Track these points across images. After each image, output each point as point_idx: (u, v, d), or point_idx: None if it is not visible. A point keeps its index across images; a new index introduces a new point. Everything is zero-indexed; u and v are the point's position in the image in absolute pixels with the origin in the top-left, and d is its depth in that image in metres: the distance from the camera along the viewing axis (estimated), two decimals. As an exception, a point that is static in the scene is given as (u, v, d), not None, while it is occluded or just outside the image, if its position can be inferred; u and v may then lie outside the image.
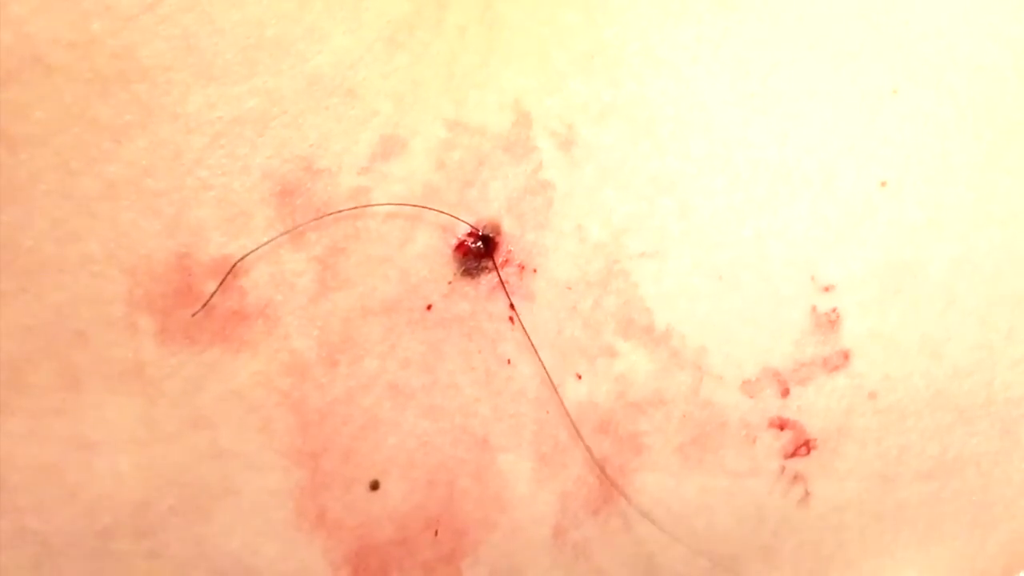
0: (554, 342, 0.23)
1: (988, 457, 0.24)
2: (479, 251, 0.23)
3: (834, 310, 0.23)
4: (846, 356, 0.23)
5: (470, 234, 0.23)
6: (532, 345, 0.23)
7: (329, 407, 0.22)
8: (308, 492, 0.23)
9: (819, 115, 0.24)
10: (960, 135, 0.24)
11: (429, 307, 0.23)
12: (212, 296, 0.21)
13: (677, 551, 0.23)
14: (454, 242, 0.23)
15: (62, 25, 0.20)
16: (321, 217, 0.22)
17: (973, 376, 0.24)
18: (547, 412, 0.23)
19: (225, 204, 0.21)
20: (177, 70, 0.20)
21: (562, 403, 0.23)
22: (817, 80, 0.24)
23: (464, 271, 0.23)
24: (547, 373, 0.23)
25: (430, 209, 0.22)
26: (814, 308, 0.23)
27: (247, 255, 0.21)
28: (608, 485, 0.23)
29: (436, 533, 0.23)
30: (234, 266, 0.21)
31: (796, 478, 0.23)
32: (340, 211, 0.22)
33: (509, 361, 0.23)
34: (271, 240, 0.22)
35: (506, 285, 0.23)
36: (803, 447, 0.23)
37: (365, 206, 0.22)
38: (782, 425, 0.23)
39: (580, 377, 0.23)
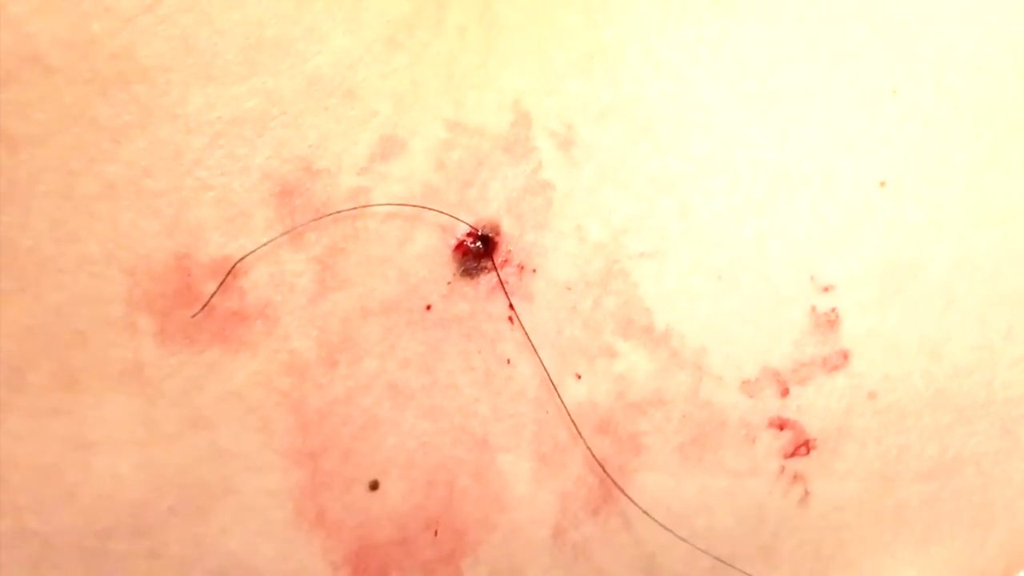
0: (554, 342, 0.23)
1: (988, 457, 0.24)
2: (478, 251, 0.23)
3: (833, 310, 0.23)
4: (845, 356, 0.23)
5: (469, 234, 0.23)
6: (532, 345, 0.23)
7: (328, 407, 0.22)
8: (307, 492, 0.23)
9: (819, 115, 0.24)
10: (960, 135, 0.24)
11: (428, 307, 0.23)
12: (212, 297, 0.21)
13: (677, 551, 0.23)
14: (453, 242, 0.23)
15: (62, 25, 0.20)
16: (320, 217, 0.22)
17: (973, 376, 0.24)
18: (547, 412, 0.23)
19: (225, 204, 0.21)
20: (176, 70, 0.20)
21: (562, 403, 0.23)
22: (816, 80, 0.24)
23: (463, 271, 0.23)
24: (547, 373, 0.23)
25: (429, 209, 0.22)
26: (813, 308, 0.23)
27: (247, 255, 0.21)
28: (608, 485, 0.23)
29: (436, 533, 0.23)
30: (234, 266, 0.21)
31: (796, 478, 0.23)
32: (339, 211, 0.22)
33: (509, 361, 0.23)
34: (271, 240, 0.22)
35: (505, 285, 0.23)
36: (803, 447, 0.23)
37: (364, 206, 0.22)
38: (782, 425, 0.23)
39: (580, 377, 0.23)
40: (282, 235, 0.22)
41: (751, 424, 0.23)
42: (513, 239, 0.23)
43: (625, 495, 0.23)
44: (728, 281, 0.23)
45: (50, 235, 0.21)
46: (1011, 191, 0.24)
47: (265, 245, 0.22)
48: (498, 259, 0.23)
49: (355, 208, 0.22)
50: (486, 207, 0.23)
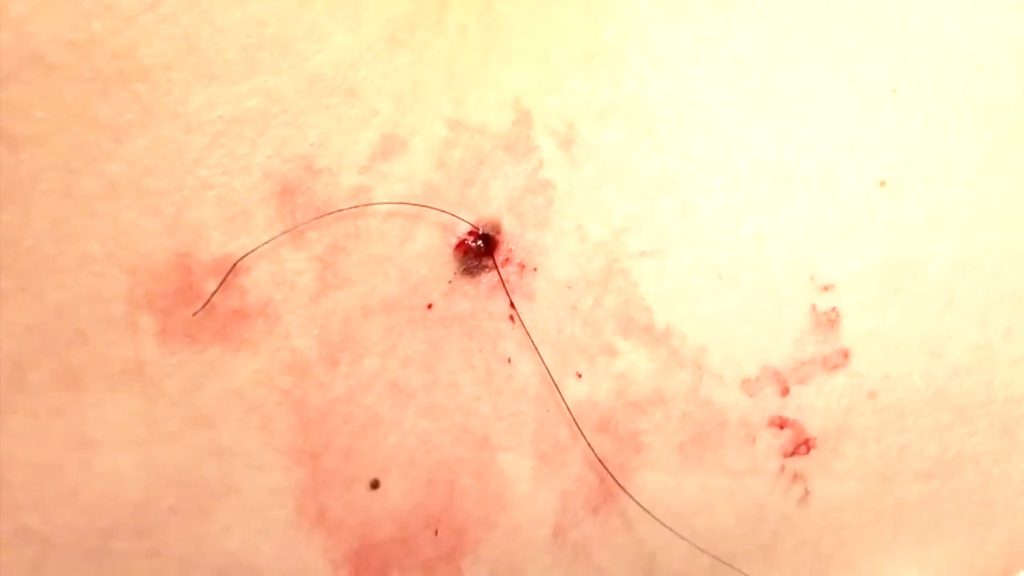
0: (554, 341, 0.23)
1: (988, 456, 0.24)
2: (479, 250, 0.23)
3: (834, 309, 0.23)
4: (846, 355, 0.23)
5: (470, 233, 0.23)
6: (532, 344, 0.23)
7: (329, 406, 0.22)
8: (308, 491, 0.23)
9: (819, 115, 0.24)
10: (960, 135, 0.24)
11: (429, 306, 0.23)
12: (213, 295, 0.21)
13: (677, 550, 0.23)
14: (454, 241, 0.23)
15: (62, 25, 0.20)
16: (321, 216, 0.22)
17: (973, 375, 0.24)
18: (547, 411, 0.23)
19: (226, 203, 0.21)
20: (177, 69, 0.20)
21: (562, 402, 0.23)
22: (817, 80, 0.24)
23: (464, 270, 0.23)
24: (547, 372, 0.23)
25: (430, 208, 0.22)
26: (814, 307, 0.23)
27: (248, 254, 0.21)
28: (608, 484, 0.23)
29: (436, 532, 0.23)
30: (235, 265, 0.21)
31: (796, 477, 0.23)
32: (340, 210, 0.22)
33: (509, 360, 0.23)
34: (272, 239, 0.22)
35: (506, 284, 0.23)
36: (803, 446, 0.23)
37: (365, 205, 0.22)
38: (782, 424, 0.23)
39: (580, 376, 0.23)
40: (283, 234, 0.22)
41: (751, 423, 0.23)
42: (514, 238, 0.23)
43: (626, 493, 0.23)
44: (728, 280, 0.23)
45: (51, 234, 0.21)
46: (1011, 191, 0.24)
47: (266, 244, 0.22)
48: (499, 258, 0.23)
49: (356, 207, 0.22)
50: (487, 206, 0.23)
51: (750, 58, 0.24)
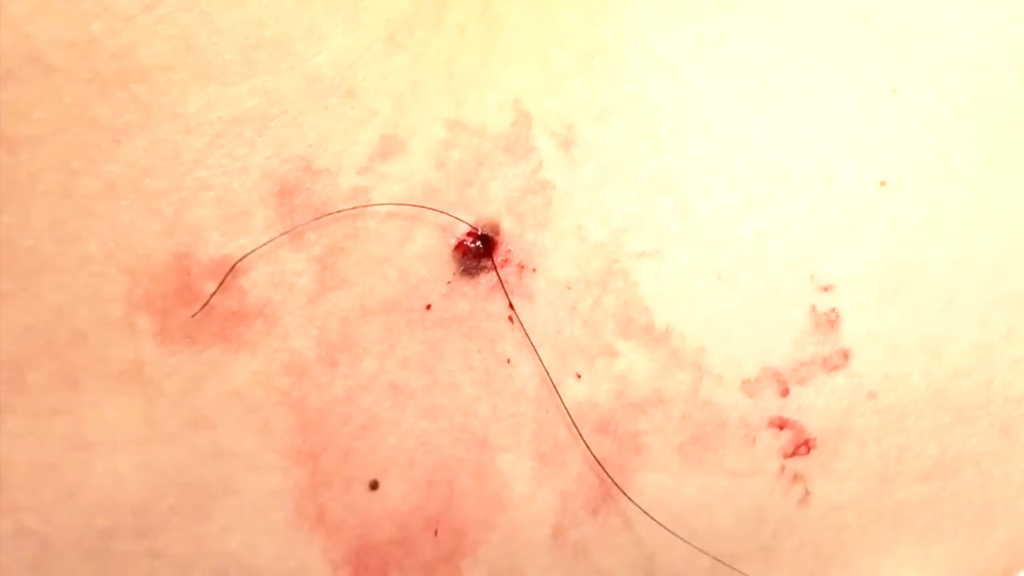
0: (554, 342, 0.23)
1: (988, 457, 0.24)
2: (478, 251, 0.23)
3: (833, 310, 0.23)
4: (846, 356, 0.23)
5: (469, 234, 0.23)
6: (532, 345, 0.23)
7: (329, 407, 0.22)
8: (308, 492, 0.23)
9: (819, 115, 0.24)
10: (960, 135, 0.24)
11: (428, 307, 0.23)
12: (212, 296, 0.21)
13: (677, 550, 0.23)
14: (453, 242, 0.23)
15: (62, 25, 0.20)
16: (320, 217, 0.22)
17: (973, 376, 0.24)
18: (547, 412, 0.23)
19: (224, 204, 0.21)
20: (176, 70, 0.20)
21: (562, 403, 0.23)
22: (817, 80, 0.24)
23: (463, 271, 0.23)
24: (547, 373, 0.23)
25: (429, 209, 0.22)
26: (814, 308, 0.23)
27: (247, 255, 0.21)
28: (608, 484, 0.23)
29: (436, 533, 0.23)
30: (234, 266, 0.21)
31: (796, 478, 0.23)
32: (339, 211, 0.22)
33: (508, 361, 0.23)
34: (271, 240, 0.22)
35: (505, 285, 0.23)
36: (803, 447, 0.23)
37: (364, 206, 0.22)
38: (782, 425, 0.23)
39: (580, 377, 0.23)
40: (282, 235, 0.22)
41: (751, 424, 0.23)
42: (513, 239, 0.23)
43: (625, 495, 0.23)
44: (728, 281, 0.23)
45: (50, 235, 0.21)
46: (1011, 191, 0.24)
47: (265, 245, 0.22)
48: (498, 259, 0.23)
49: (355, 208, 0.22)
50: (486, 207, 0.23)
51: (750, 58, 0.24)
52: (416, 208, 0.22)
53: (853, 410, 0.23)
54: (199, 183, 0.21)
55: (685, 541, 0.23)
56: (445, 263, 0.23)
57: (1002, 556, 0.25)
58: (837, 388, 0.23)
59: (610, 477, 0.23)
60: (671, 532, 0.23)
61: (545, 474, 0.23)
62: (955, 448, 0.24)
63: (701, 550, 0.23)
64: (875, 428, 0.23)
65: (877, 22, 0.24)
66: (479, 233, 0.23)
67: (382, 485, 0.23)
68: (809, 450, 0.23)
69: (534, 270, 0.23)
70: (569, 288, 0.23)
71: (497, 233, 0.23)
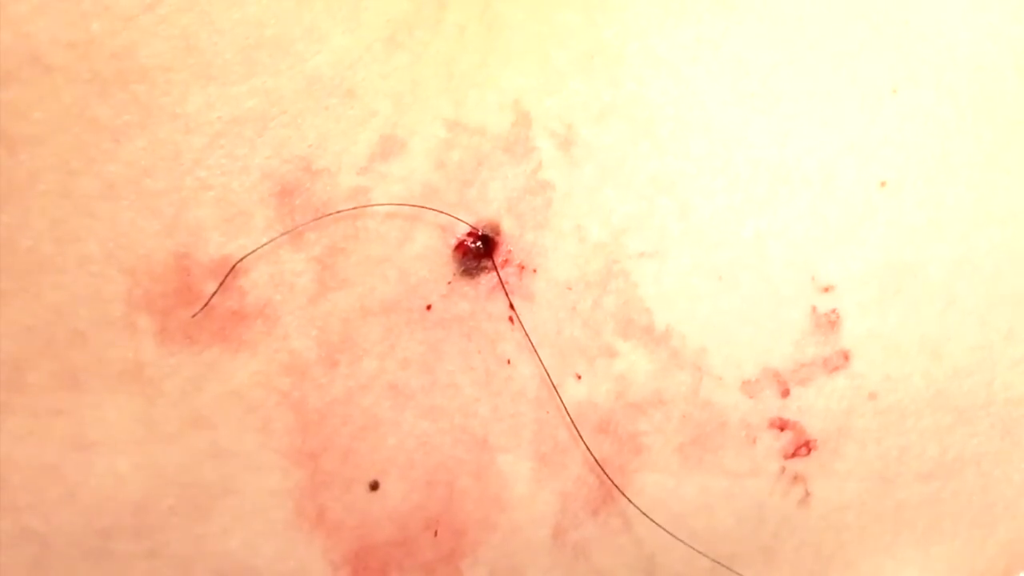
0: (554, 342, 0.23)
1: (988, 457, 0.24)
2: (478, 251, 0.23)
3: (834, 310, 0.23)
4: (846, 356, 0.23)
5: (469, 234, 0.23)
6: (532, 345, 0.23)
7: (328, 407, 0.22)
8: (307, 492, 0.23)
9: (819, 115, 0.24)
10: (960, 135, 0.24)
11: (428, 307, 0.23)
12: (212, 296, 0.21)
13: (677, 551, 0.23)
14: (453, 242, 0.23)
15: (61, 25, 0.20)
16: (320, 217, 0.22)
17: (973, 376, 0.24)
18: (547, 412, 0.23)
19: (224, 204, 0.21)
20: (176, 70, 0.20)
21: (562, 403, 0.23)
22: (817, 80, 0.24)
23: (463, 271, 0.23)
24: (547, 373, 0.23)
25: (429, 209, 0.22)
26: (814, 308, 0.23)
27: (247, 255, 0.21)
28: (608, 485, 0.23)
29: (436, 533, 0.23)
30: (234, 266, 0.21)
31: (796, 478, 0.23)
32: (339, 211, 0.22)
33: (509, 361, 0.23)
34: (271, 240, 0.22)
35: (505, 285, 0.23)
36: (803, 447, 0.23)
37: (364, 206, 0.22)
38: (782, 425, 0.23)
39: (580, 377, 0.23)
40: (282, 235, 0.22)
41: (751, 424, 0.23)
42: (513, 239, 0.23)
43: (624, 496, 0.23)
44: (728, 281, 0.23)
45: (50, 235, 0.21)
46: (1011, 191, 0.24)
47: (265, 245, 0.22)
48: (498, 259, 0.23)
49: (355, 208, 0.22)
50: (486, 207, 0.23)
51: (750, 58, 0.24)
52: (416, 208, 0.22)
53: (853, 411, 0.23)
54: (199, 183, 0.21)
55: (685, 543, 0.23)
56: (445, 263, 0.23)
57: (1002, 556, 0.25)
58: (837, 389, 0.23)
59: (609, 478, 0.23)
60: (670, 534, 0.23)
61: (545, 475, 0.23)
62: (955, 449, 0.24)
63: (701, 552, 0.23)
64: (875, 429, 0.23)
65: (877, 22, 0.24)
66: (479, 233, 0.23)
67: (382, 485, 0.23)
68: (809, 451, 0.23)
69: (534, 270, 0.23)
70: (569, 288, 0.23)
71: (497, 233, 0.23)
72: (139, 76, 0.20)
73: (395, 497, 0.23)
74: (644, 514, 0.23)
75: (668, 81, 0.23)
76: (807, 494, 0.24)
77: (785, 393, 0.23)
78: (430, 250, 0.23)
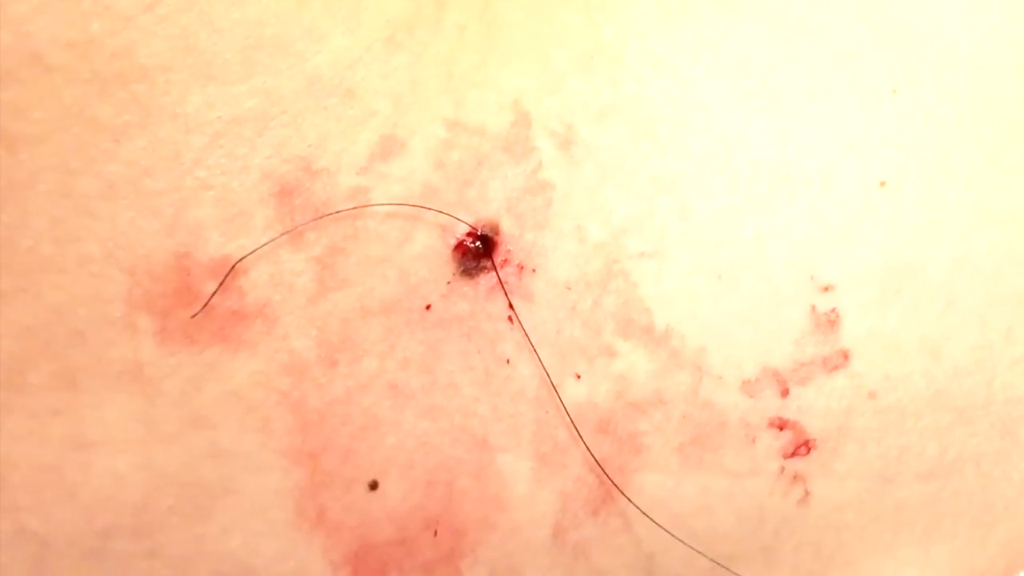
0: (553, 342, 0.23)
1: (988, 457, 0.24)
2: (478, 251, 0.23)
3: (833, 310, 0.23)
4: (846, 356, 0.23)
5: (469, 234, 0.23)
6: (531, 345, 0.23)
7: (328, 407, 0.22)
8: (307, 492, 0.23)
9: (819, 115, 0.24)
10: (960, 135, 0.24)
11: (428, 307, 0.23)
12: (212, 296, 0.21)
13: (677, 551, 0.23)
14: (453, 242, 0.23)
15: (61, 25, 0.20)
16: (320, 217, 0.22)
17: (973, 376, 0.24)
18: (546, 412, 0.23)
19: (224, 204, 0.21)
20: (176, 70, 0.20)
21: (561, 403, 0.23)
22: (817, 80, 0.24)
23: (463, 271, 0.23)
24: (546, 373, 0.23)
25: (429, 209, 0.22)
26: (814, 308, 0.23)
27: (247, 255, 0.21)
28: (608, 485, 0.23)
29: (435, 533, 0.23)
30: (234, 266, 0.21)
31: (796, 478, 0.23)
32: (339, 211, 0.22)
33: (508, 361, 0.23)
34: (271, 240, 0.22)
35: (505, 285, 0.23)
36: (803, 447, 0.23)
37: (364, 206, 0.22)
38: (782, 425, 0.23)
39: (579, 377, 0.23)
40: (282, 235, 0.22)
41: (751, 424, 0.23)
42: (513, 239, 0.23)
43: (624, 496, 0.23)
44: (728, 281, 0.23)
45: (50, 235, 0.21)
46: (1011, 191, 0.24)
47: (265, 245, 0.22)
48: (498, 259, 0.23)
49: (355, 208, 0.22)
50: (486, 207, 0.23)
51: (750, 58, 0.24)
52: (416, 208, 0.22)
53: (853, 410, 0.23)
54: (199, 183, 0.21)
55: (685, 543, 0.23)
56: (445, 263, 0.23)
57: (1002, 556, 0.25)
58: (837, 388, 0.23)
59: (609, 478, 0.23)
60: (670, 534, 0.23)
61: (545, 474, 0.23)
62: (955, 448, 0.24)
63: (701, 552, 0.23)
64: (875, 428, 0.23)
65: (877, 22, 0.24)
66: (479, 233, 0.23)
67: (382, 485, 0.23)
68: (809, 450, 0.23)
69: (534, 270, 0.23)
70: (569, 288, 0.23)
71: (497, 233, 0.23)
72: (139, 76, 0.20)
73: (395, 497, 0.23)
74: (644, 514, 0.23)
75: (668, 81, 0.23)
76: (807, 494, 0.24)
77: (785, 393, 0.23)
78: (430, 250, 0.23)
